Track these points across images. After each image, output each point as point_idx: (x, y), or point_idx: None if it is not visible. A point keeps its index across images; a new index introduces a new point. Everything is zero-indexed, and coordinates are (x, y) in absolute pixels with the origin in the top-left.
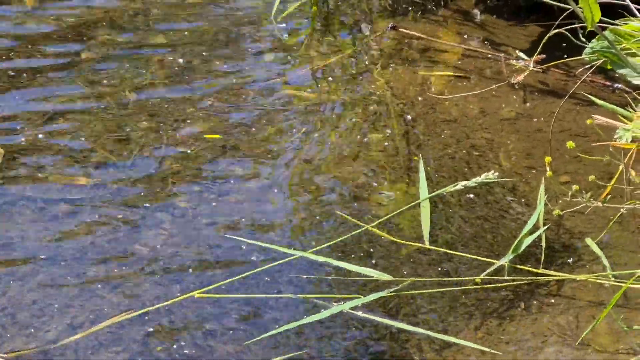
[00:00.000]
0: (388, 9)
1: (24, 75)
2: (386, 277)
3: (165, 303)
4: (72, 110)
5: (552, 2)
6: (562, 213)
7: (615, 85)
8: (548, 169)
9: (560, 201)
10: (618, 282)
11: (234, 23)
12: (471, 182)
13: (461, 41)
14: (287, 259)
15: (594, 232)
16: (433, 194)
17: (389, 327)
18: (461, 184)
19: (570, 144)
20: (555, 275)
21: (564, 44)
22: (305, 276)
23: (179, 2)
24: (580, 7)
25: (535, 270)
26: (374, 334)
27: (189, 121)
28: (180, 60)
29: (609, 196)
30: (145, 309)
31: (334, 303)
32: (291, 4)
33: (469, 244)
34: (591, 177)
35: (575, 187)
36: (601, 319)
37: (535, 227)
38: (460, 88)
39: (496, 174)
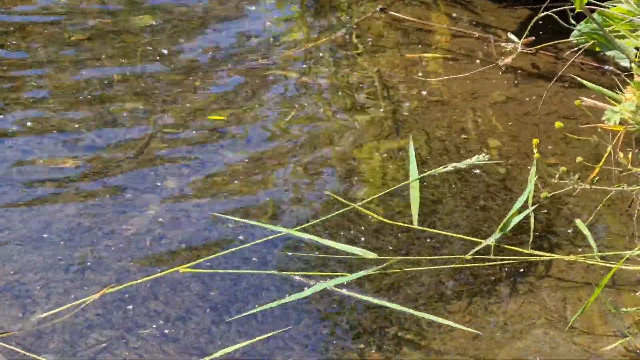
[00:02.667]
0: None
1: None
2: (371, 255)
3: (149, 277)
4: (58, 90)
5: None
6: (549, 195)
7: (606, 68)
8: (535, 150)
9: (548, 184)
10: (607, 263)
11: (222, 4)
12: (462, 164)
13: (451, 23)
14: (273, 236)
15: (583, 214)
16: (422, 174)
17: (373, 305)
18: (451, 166)
19: (558, 124)
20: (543, 256)
21: (553, 27)
22: (290, 253)
23: None
24: None
25: (523, 250)
26: (358, 313)
27: (175, 101)
28: (166, 40)
29: (597, 178)
30: (128, 283)
31: (319, 281)
32: None
33: (457, 225)
34: (579, 159)
35: (562, 168)
36: (590, 302)
37: (524, 208)
38: (449, 70)
39: (487, 156)
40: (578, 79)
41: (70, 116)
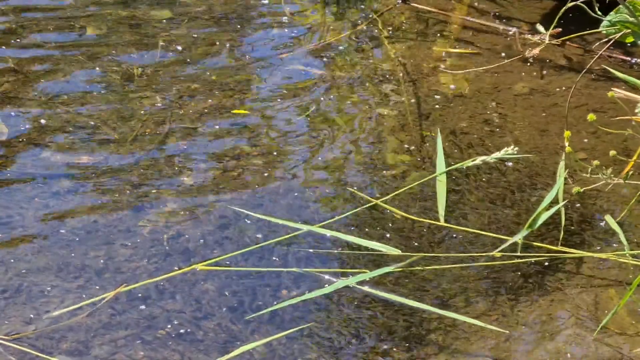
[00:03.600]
0: None
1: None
2: (395, 251)
3: (165, 276)
4: (75, 87)
5: None
6: (582, 190)
7: (633, 60)
8: (567, 144)
9: (579, 178)
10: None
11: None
12: (490, 158)
13: (474, 15)
14: (293, 234)
15: (614, 210)
16: (449, 168)
17: (397, 303)
18: (480, 159)
19: (591, 116)
20: (572, 253)
21: (579, 18)
22: (311, 250)
23: None
24: None
25: (551, 247)
26: (381, 311)
27: (194, 96)
28: (187, 36)
29: (630, 173)
30: (143, 282)
31: (340, 278)
32: None
33: (483, 221)
34: (612, 152)
35: (595, 162)
36: (623, 302)
37: (553, 204)
38: (472, 63)
39: (516, 149)
40: (611, 70)
41: (86, 111)
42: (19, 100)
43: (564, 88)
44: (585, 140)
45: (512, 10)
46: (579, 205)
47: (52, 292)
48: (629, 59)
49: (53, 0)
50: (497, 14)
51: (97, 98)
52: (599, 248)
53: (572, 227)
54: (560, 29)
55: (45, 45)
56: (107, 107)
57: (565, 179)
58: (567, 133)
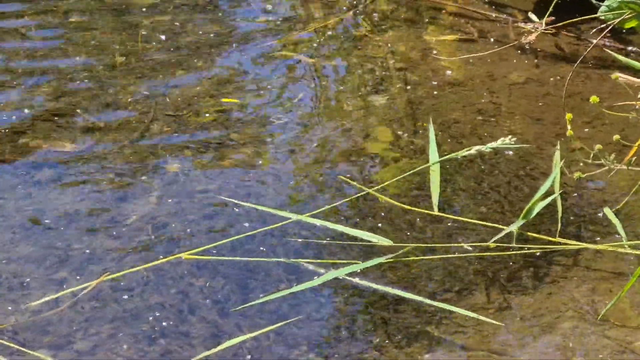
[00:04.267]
0: None
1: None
2: (386, 241)
3: (150, 264)
4: (57, 73)
5: None
6: (583, 176)
7: (630, 49)
8: (569, 127)
9: (575, 168)
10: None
11: None
12: (486, 147)
13: (466, 2)
14: (282, 223)
15: (611, 200)
16: (443, 158)
17: (388, 295)
18: (475, 149)
19: (594, 98)
20: (569, 244)
21: (573, 7)
22: (300, 240)
23: None
24: None
25: (548, 238)
26: (372, 303)
27: (178, 84)
28: (171, 23)
29: (634, 159)
30: (126, 271)
31: (330, 269)
32: None
33: (478, 211)
34: (616, 137)
35: (598, 146)
36: (623, 293)
37: (549, 193)
38: (465, 51)
39: (514, 139)
40: (616, 55)
41: (69, 99)
42: (0, 88)
43: (558, 77)
44: (582, 129)
45: None
46: (575, 195)
47: (32, 284)
48: (624, 47)
49: None
50: (489, 2)
51: (80, 85)
52: (597, 239)
53: (569, 218)
54: (553, 18)
55: (28, 34)
56: (90, 94)
57: (562, 168)
58: (568, 115)
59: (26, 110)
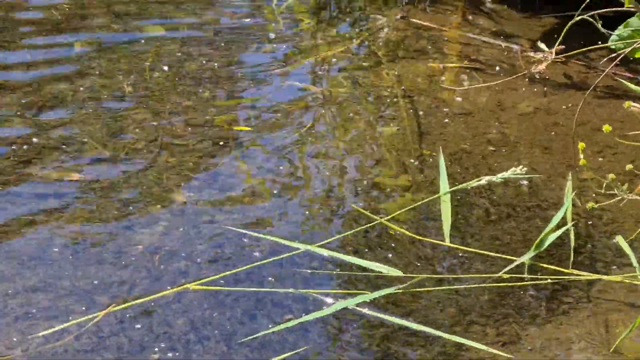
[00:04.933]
0: None
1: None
2: (396, 272)
3: (157, 295)
4: (64, 103)
5: None
6: (596, 206)
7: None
8: (582, 156)
9: (586, 199)
10: None
11: (235, 13)
12: (497, 177)
13: (473, 32)
14: (291, 253)
15: (623, 231)
16: (454, 188)
17: (398, 326)
18: (485, 179)
19: (606, 127)
20: (582, 275)
21: (582, 35)
22: (309, 271)
23: None
24: None
25: (559, 269)
26: (382, 334)
27: (186, 112)
28: (178, 52)
29: None
30: (132, 302)
31: (339, 299)
32: None
33: (488, 242)
34: (628, 167)
35: (611, 175)
36: (636, 325)
37: (561, 224)
38: (473, 80)
39: (525, 169)
40: (627, 83)
41: (77, 128)
42: (7, 117)
43: (567, 106)
44: (592, 158)
45: (510, 27)
46: (589, 224)
47: (38, 314)
48: (634, 76)
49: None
50: (497, 31)
51: (88, 114)
52: (610, 270)
53: (582, 248)
54: (563, 46)
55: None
56: (97, 123)
57: (573, 198)
58: (581, 145)
59: (34, 139)
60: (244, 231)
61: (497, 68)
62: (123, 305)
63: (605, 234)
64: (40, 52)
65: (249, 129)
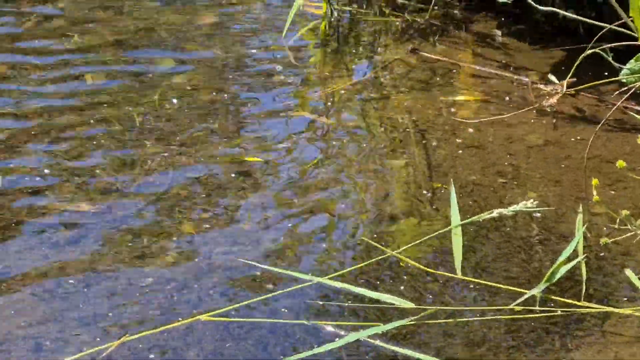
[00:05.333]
0: (406, 31)
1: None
2: (408, 304)
3: (169, 326)
4: (76, 133)
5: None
6: (609, 242)
7: None
8: (595, 193)
9: (595, 233)
10: None
11: (244, 45)
12: (508, 210)
13: (483, 65)
14: (303, 285)
15: (636, 261)
16: (465, 221)
17: (410, 358)
18: (496, 212)
19: (620, 163)
20: (593, 308)
21: (592, 68)
22: (321, 302)
23: (187, 25)
24: (630, 17)
25: (570, 301)
26: None
27: (195, 144)
28: (188, 83)
29: None
30: (145, 332)
31: (351, 331)
32: (303, 26)
33: (499, 275)
34: None
35: (624, 212)
36: None
37: (572, 256)
38: (483, 113)
39: (536, 202)
40: (635, 116)
41: (87, 159)
42: (18, 148)
43: (577, 139)
44: (603, 192)
45: (520, 59)
46: (600, 256)
47: (51, 346)
48: None
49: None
50: (506, 63)
51: (99, 146)
52: (622, 303)
53: (593, 281)
54: (574, 79)
55: (45, 92)
56: (108, 154)
57: (585, 232)
58: (595, 181)
59: (46, 170)
60: (254, 264)
61: (507, 100)
62: (134, 336)
63: (617, 266)
64: (52, 83)
65: (260, 160)
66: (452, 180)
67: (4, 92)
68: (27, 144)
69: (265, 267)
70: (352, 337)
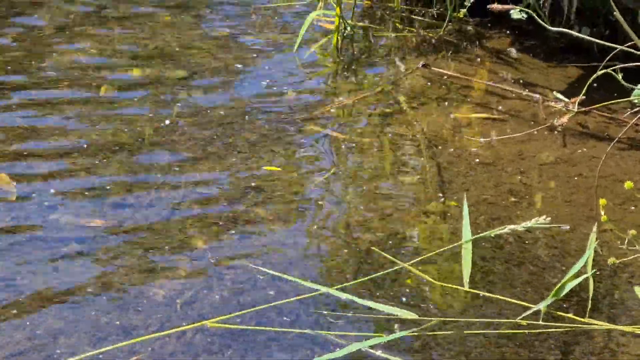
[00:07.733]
0: (419, 46)
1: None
2: (411, 315)
3: (173, 330)
4: (88, 147)
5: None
6: (617, 261)
7: None
8: (602, 212)
9: (605, 253)
10: None
11: (255, 59)
12: (520, 227)
13: (496, 81)
14: (310, 294)
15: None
16: (476, 236)
17: None
18: (508, 228)
19: (628, 184)
20: (598, 325)
21: (604, 86)
22: (325, 312)
23: (199, 36)
24: None
25: (576, 317)
26: None
27: (210, 159)
28: (201, 97)
29: None
30: (152, 335)
31: (354, 340)
32: (316, 40)
33: (507, 289)
34: None
35: (632, 232)
36: None
37: (581, 273)
38: (495, 130)
39: (548, 219)
40: None
41: (100, 173)
42: (30, 159)
43: (588, 157)
44: (613, 211)
45: (535, 76)
46: (609, 275)
47: (62, 357)
48: None
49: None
50: (520, 80)
51: (111, 159)
52: (628, 321)
53: (600, 298)
54: (584, 97)
55: (58, 107)
56: (121, 168)
57: (595, 249)
58: (602, 201)
59: (58, 183)
60: (262, 269)
61: (519, 118)
62: (134, 340)
63: (626, 284)
64: (67, 95)
65: (272, 173)
66: (465, 195)
67: (20, 104)
68: (39, 158)
69: (272, 272)
70: (354, 346)
